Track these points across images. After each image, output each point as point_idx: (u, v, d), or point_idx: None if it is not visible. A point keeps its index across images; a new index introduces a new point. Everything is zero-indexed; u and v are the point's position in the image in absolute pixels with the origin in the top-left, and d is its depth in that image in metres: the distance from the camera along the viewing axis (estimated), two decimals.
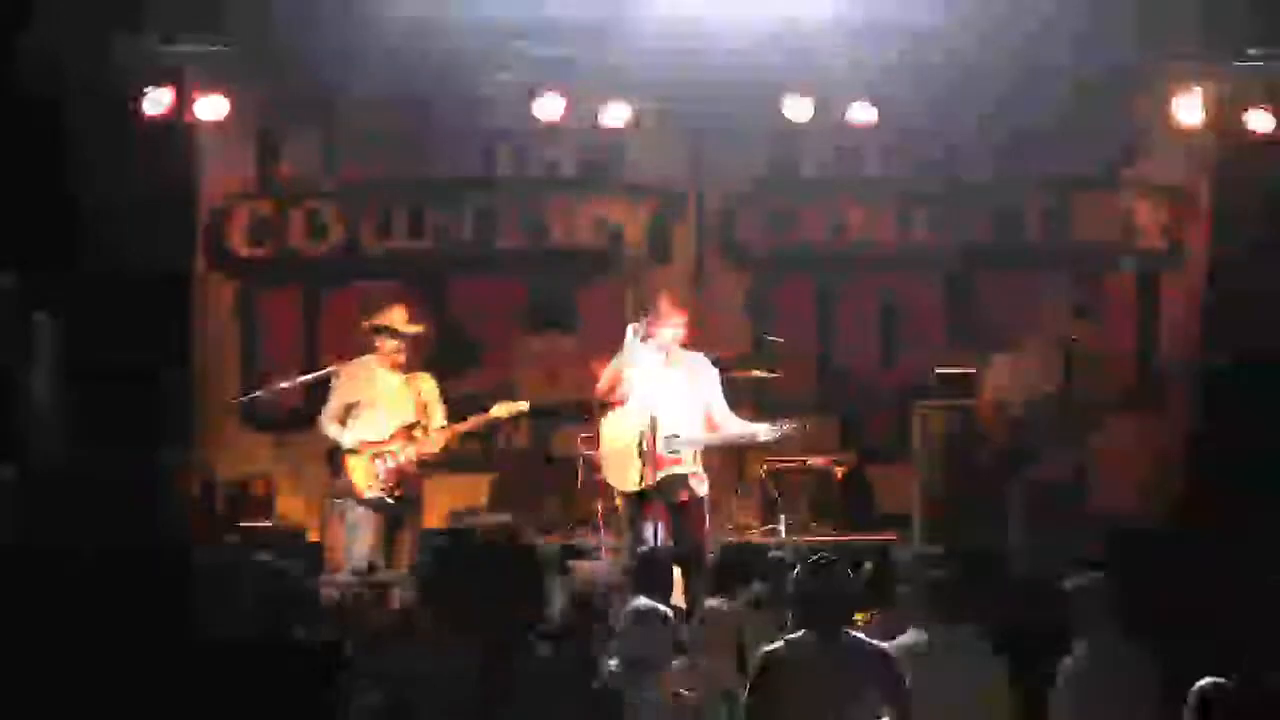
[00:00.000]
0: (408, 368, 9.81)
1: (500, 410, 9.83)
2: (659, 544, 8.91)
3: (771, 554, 8.01)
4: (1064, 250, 12.14)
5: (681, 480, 9.17)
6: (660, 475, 9.12)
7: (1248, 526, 8.68)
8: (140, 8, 10.10)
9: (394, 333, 9.71)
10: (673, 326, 9.28)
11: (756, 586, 7.51)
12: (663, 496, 9.12)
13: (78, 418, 10.53)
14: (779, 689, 5.95)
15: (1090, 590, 6.69)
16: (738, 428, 9.38)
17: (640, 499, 9.17)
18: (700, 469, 9.27)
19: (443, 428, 9.72)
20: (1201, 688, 5.72)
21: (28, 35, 9.93)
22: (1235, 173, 11.52)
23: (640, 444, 9.13)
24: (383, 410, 9.67)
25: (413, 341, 9.80)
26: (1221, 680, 5.71)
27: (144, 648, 5.65)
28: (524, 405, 9.96)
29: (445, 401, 9.89)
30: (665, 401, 9.17)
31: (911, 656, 6.15)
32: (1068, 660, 6.52)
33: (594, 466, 9.88)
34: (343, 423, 9.67)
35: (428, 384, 9.83)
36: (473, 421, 9.83)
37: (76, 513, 9.43)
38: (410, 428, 9.65)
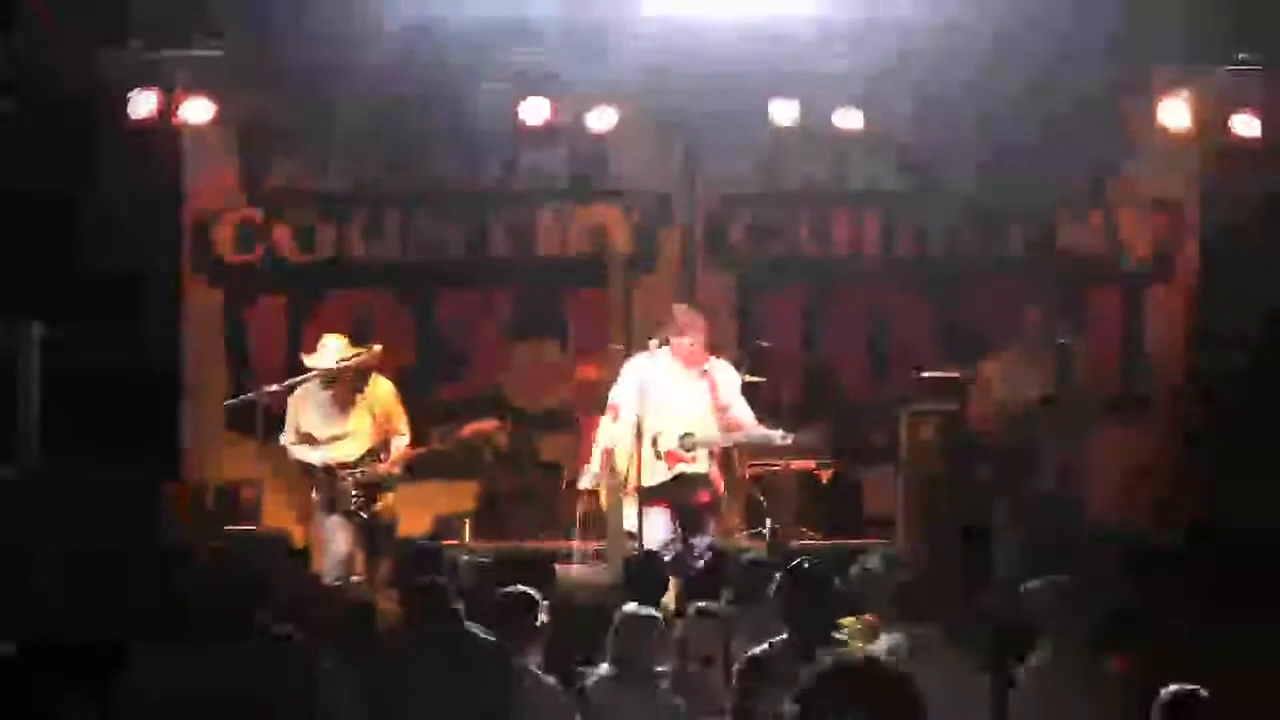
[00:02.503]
0: (362, 379, 9.70)
1: (470, 431, 9.85)
2: (670, 542, 8.98)
3: (745, 556, 8.04)
4: (1051, 259, 12.15)
5: (700, 480, 9.25)
6: (674, 473, 9.20)
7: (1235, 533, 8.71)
8: (127, 12, 10.09)
9: (329, 373, 9.63)
10: (692, 333, 9.34)
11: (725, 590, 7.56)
12: (677, 495, 9.20)
13: (64, 423, 10.52)
14: (763, 693, 5.97)
15: (1048, 594, 6.72)
16: (755, 431, 9.43)
17: (649, 496, 9.21)
18: (715, 471, 9.35)
19: (410, 446, 9.70)
20: (1173, 693, 5.73)
21: (14, 40, 9.93)
22: (1222, 179, 11.52)
23: (656, 441, 9.21)
24: (347, 437, 9.65)
25: (339, 369, 9.66)
26: (1191, 688, 5.72)
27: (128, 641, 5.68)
28: (492, 423, 9.97)
29: (425, 406, 9.89)
30: (678, 406, 9.24)
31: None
32: (1030, 662, 6.51)
33: (575, 471, 9.92)
34: (308, 444, 9.66)
35: (383, 390, 9.75)
36: (445, 446, 9.84)
37: (63, 515, 9.44)
38: (375, 448, 9.64)
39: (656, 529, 9.14)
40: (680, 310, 9.54)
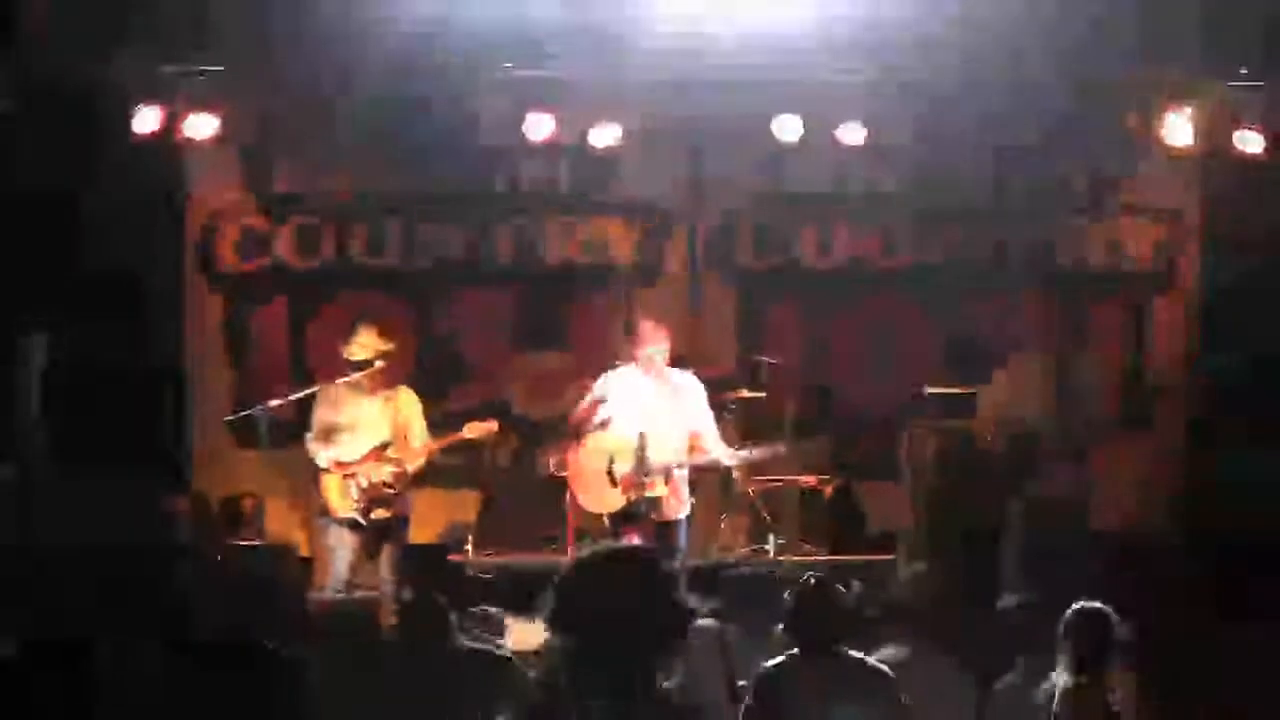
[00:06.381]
0: (387, 383, 9.72)
1: (470, 432, 9.80)
2: None
3: (725, 572, 8.06)
4: (1054, 270, 12.16)
5: (653, 503, 9.18)
6: (632, 497, 9.14)
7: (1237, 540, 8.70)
8: (131, 27, 10.09)
9: (358, 364, 9.62)
10: (656, 346, 9.28)
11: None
12: (637, 519, 9.15)
13: (67, 432, 10.52)
14: (775, 707, 5.98)
15: (1021, 610, 6.73)
16: (713, 452, 9.37)
17: (617, 521, 9.22)
18: (680, 489, 9.28)
19: (418, 446, 9.67)
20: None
21: (19, 53, 9.95)
22: (1225, 194, 11.54)
23: (611, 467, 9.19)
24: (360, 432, 9.62)
25: (367, 362, 9.65)
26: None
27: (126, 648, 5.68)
28: (494, 425, 9.93)
29: (428, 416, 9.86)
30: (646, 424, 9.18)
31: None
32: (1006, 678, 6.52)
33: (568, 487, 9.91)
34: (325, 442, 9.64)
35: (407, 399, 9.76)
36: (444, 442, 9.78)
37: (66, 524, 9.43)
38: (383, 448, 9.60)
39: None
40: (644, 323, 9.46)
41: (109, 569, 7.89)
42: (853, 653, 6.14)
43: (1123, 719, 6.05)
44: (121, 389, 10.61)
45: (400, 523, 9.70)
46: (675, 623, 3.86)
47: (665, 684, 3.74)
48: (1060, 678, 6.09)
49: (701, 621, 7.37)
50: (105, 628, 6.25)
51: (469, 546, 10.92)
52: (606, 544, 4.01)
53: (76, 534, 8.84)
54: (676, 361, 9.64)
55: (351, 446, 9.59)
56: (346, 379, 9.65)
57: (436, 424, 10.16)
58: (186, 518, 10.69)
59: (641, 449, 9.13)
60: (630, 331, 9.39)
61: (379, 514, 9.55)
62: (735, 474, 10.83)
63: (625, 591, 3.79)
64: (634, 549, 3.97)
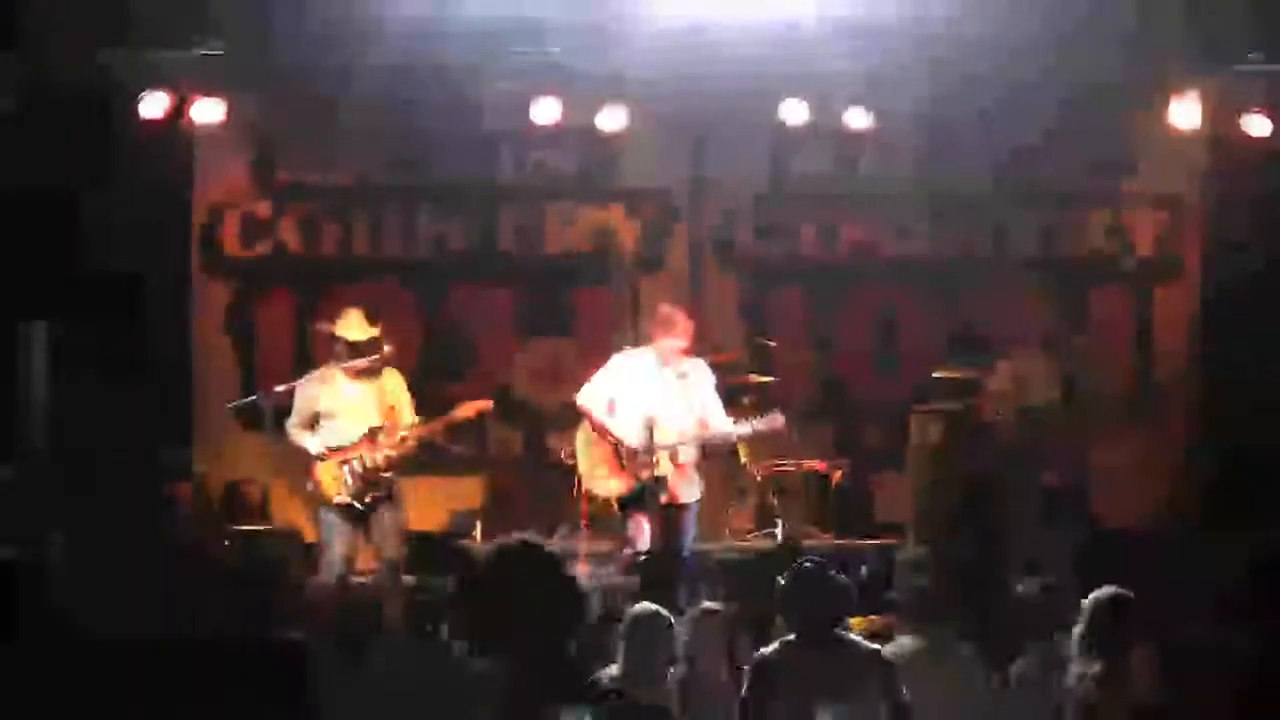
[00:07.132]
0: (374, 368, 9.62)
1: (462, 411, 9.73)
2: (651, 547, 9.00)
3: (730, 556, 8.08)
4: (1058, 259, 12.16)
5: (661, 484, 9.20)
6: (642, 476, 9.17)
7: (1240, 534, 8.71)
8: (137, 13, 10.10)
9: (347, 344, 9.55)
10: (681, 340, 9.29)
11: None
12: (645, 501, 9.17)
13: (73, 421, 10.54)
14: (774, 692, 6.00)
15: (1037, 596, 6.75)
16: (719, 430, 9.40)
17: (626, 504, 9.24)
18: (689, 473, 9.30)
19: (411, 426, 9.59)
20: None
21: (26, 40, 9.96)
22: (1231, 178, 11.52)
23: (619, 452, 9.21)
24: (347, 417, 9.53)
25: (371, 344, 9.60)
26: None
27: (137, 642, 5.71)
28: (488, 403, 9.88)
29: (432, 404, 9.82)
30: (658, 408, 9.20)
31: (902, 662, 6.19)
32: (1019, 663, 6.53)
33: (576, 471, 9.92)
34: (311, 429, 9.56)
35: (393, 382, 9.63)
36: (437, 423, 9.73)
37: (71, 513, 9.46)
38: (374, 432, 9.53)
39: (634, 536, 9.16)
40: (668, 310, 9.48)
41: (111, 565, 7.91)
42: (851, 637, 6.15)
43: (1141, 705, 6.06)
44: (126, 378, 10.62)
45: (395, 506, 9.63)
46: (569, 601, 4.29)
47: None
48: (1080, 666, 6.10)
49: (705, 604, 7.41)
50: (108, 623, 6.28)
51: (476, 533, 10.95)
52: (500, 542, 4.30)
53: (77, 529, 8.87)
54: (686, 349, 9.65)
55: (342, 432, 9.52)
56: (352, 363, 9.59)
57: (441, 413, 10.17)
58: (191, 505, 10.72)
59: (648, 432, 9.15)
60: (659, 320, 9.37)
61: (372, 498, 9.50)
62: (744, 459, 10.86)
63: (518, 583, 4.22)
64: (521, 544, 4.28)
